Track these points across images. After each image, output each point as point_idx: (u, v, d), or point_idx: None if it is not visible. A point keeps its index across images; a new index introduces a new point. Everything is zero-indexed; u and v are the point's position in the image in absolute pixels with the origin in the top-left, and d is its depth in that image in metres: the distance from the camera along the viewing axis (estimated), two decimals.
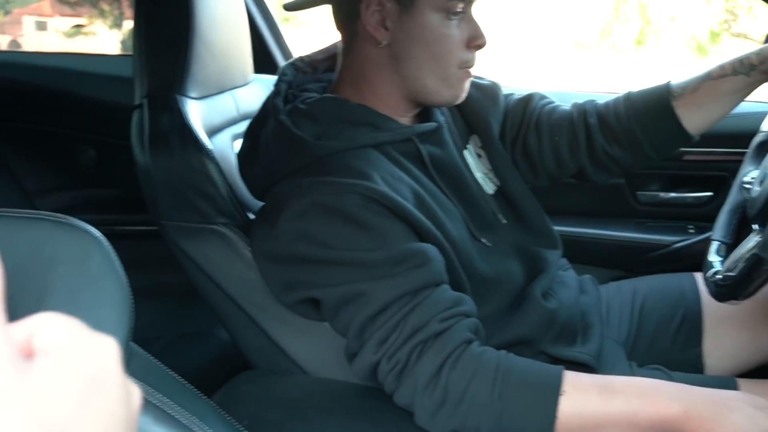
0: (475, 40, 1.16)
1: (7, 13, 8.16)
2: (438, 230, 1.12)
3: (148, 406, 0.86)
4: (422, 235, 1.10)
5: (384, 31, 1.14)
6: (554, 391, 0.98)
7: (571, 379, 1.00)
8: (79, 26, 5.55)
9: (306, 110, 1.17)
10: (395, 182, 1.12)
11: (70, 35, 6.06)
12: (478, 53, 1.20)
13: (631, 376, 1.25)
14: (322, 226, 1.06)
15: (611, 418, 0.99)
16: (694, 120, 1.29)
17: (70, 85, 1.97)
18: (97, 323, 0.82)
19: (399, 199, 1.07)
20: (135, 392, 0.42)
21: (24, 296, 0.80)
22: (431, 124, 1.24)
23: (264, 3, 1.96)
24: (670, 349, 1.43)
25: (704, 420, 0.96)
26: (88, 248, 0.84)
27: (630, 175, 1.84)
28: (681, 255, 1.78)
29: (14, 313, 0.84)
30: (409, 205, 1.09)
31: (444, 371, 1.00)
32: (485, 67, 1.34)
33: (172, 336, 1.82)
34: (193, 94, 1.33)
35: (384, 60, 1.17)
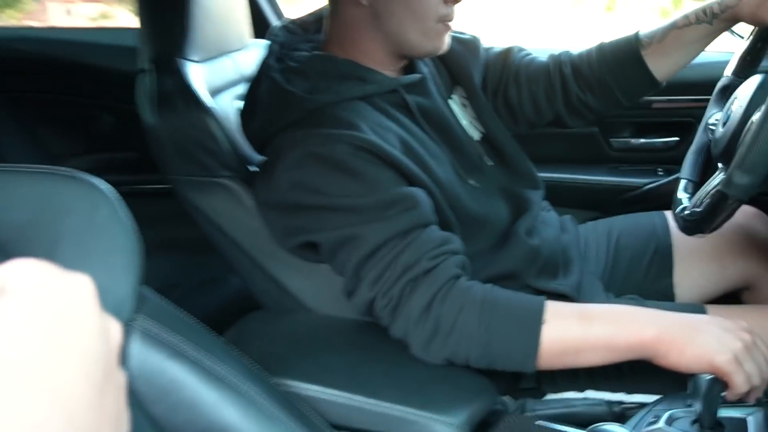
0: None
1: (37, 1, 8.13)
2: (426, 174, 1.09)
3: (161, 344, 0.84)
4: (410, 180, 1.07)
5: None
6: (537, 319, 0.96)
7: (552, 308, 0.98)
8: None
9: (297, 68, 1.14)
10: (383, 131, 1.09)
11: (94, 19, 5.98)
12: (458, 8, 1.16)
13: None
14: (315, 175, 1.04)
15: (590, 342, 0.97)
16: (661, 67, 1.26)
17: (87, 57, 1.94)
18: (106, 269, 0.80)
19: (386, 146, 1.05)
20: (114, 327, 0.41)
21: (36, 245, 0.79)
22: (415, 75, 1.21)
23: None
24: (643, 280, 1.41)
25: (676, 341, 0.93)
26: (96, 200, 0.81)
27: (603, 123, 1.80)
28: (651, 195, 1.76)
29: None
30: (397, 152, 1.06)
31: (434, 305, 0.98)
32: (468, 23, 1.31)
33: (190, 283, 1.82)
34: (194, 58, 1.30)
35: (367, 18, 1.14)
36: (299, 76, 1.13)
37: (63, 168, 0.80)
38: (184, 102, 1.23)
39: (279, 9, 1.92)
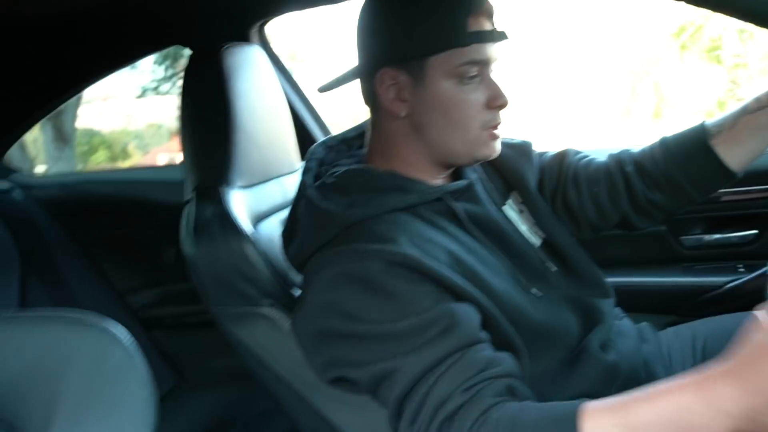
0: (495, 101, 1.03)
1: (146, 153, 8.71)
2: (476, 286, 0.97)
3: None
4: (457, 294, 0.94)
5: (401, 103, 1.04)
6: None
7: (591, 417, 0.77)
8: None
9: (334, 183, 1.06)
10: (424, 243, 0.98)
11: None
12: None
13: None
14: (346, 297, 0.94)
15: None
16: (735, 156, 1.12)
17: (150, 193, 1.94)
18: (114, 425, 0.66)
19: (424, 259, 0.93)
20: None
21: (36, 401, 0.67)
22: (462, 182, 1.10)
23: (303, 92, 1.87)
24: None
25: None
26: (106, 347, 0.72)
27: (671, 222, 1.65)
28: (735, 295, 1.58)
29: (23, 421, 0.69)
30: (437, 264, 0.94)
31: None
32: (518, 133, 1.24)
33: (249, 415, 1.71)
34: (238, 184, 1.22)
35: (407, 130, 1.06)
36: (337, 191, 1.04)
37: (72, 311, 0.74)
38: (222, 229, 1.14)
39: (328, 129, 1.88)
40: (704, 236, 1.66)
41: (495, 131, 1.05)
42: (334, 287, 0.95)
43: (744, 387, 0.68)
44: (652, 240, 1.66)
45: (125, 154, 8.85)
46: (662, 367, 1.19)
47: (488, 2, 1.03)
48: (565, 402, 0.81)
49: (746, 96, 1.14)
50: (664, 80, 7.07)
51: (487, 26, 1.02)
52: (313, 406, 1.12)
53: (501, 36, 1.03)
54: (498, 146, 1.07)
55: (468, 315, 0.92)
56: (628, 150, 1.22)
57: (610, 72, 7.52)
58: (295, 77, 1.88)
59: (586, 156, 1.25)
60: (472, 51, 1.00)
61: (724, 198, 1.59)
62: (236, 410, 1.71)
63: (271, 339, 1.12)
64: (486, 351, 0.89)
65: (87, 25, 1.48)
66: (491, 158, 1.08)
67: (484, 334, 0.92)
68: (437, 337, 0.88)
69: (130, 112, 8.71)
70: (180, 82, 1.29)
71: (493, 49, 1.03)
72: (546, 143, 1.32)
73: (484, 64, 1.02)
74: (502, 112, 1.05)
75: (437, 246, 0.98)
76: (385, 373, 0.89)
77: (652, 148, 1.19)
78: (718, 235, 1.65)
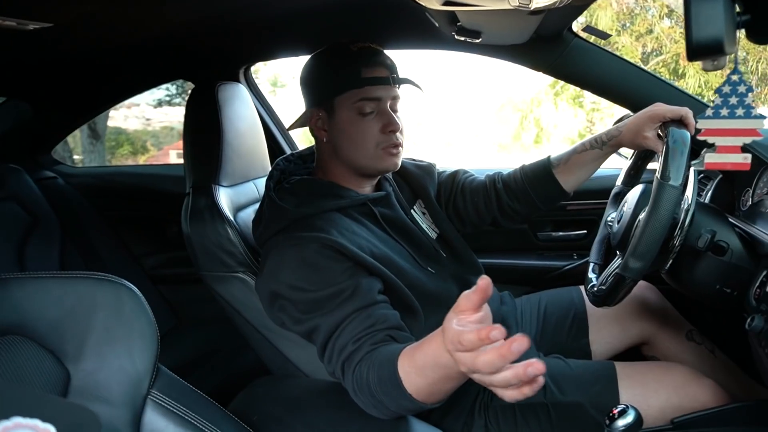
0: (387, 127, 1.03)
1: (160, 149, 8.41)
2: (386, 266, 0.98)
3: (171, 413, 0.73)
4: (368, 269, 0.96)
5: (323, 132, 1.06)
6: (397, 380, 0.78)
7: (402, 367, 0.78)
8: None
9: (288, 188, 1.06)
10: (350, 234, 0.99)
11: None
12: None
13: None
14: (289, 271, 0.94)
15: (432, 381, 0.76)
16: (568, 181, 1.17)
17: (159, 184, 1.90)
18: (128, 353, 0.68)
19: (347, 244, 0.94)
20: None
21: (71, 336, 0.68)
22: (380, 193, 1.11)
23: (275, 114, 1.85)
24: (565, 340, 1.27)
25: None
26: (122, 298, 0.73)
27: (531, 222, 1.70)
28: (569, 274, 1.63)
29: (63, 348, 0.69)
30: (356, 249, 0.95)
31: (349, 383, 0.86)
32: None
33: (227, 349, 1.71)
34: (224, 183, 1.22)
35: (330, 151, 1.07)
36: (290, 194, 1.05)
37: (98, 273, 0.73)
38: (211, 216, 1.15)
39: (294, 143, 1.86)
40: (552, 233, 1.69)
41: (391, 149, 1.04)
42: (281, 263, 0.95)
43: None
44: (517, 234, 1.69)
45: (144, 149, 8.54)
46: (515, 323, 1.23)
47: (383, 57, 1.04)
48: (397, 346, 0.82)
49: (596, 131, 1.19)
50: (543, 117, 7.17)
51: (381, 73, 1.03)
52: (272, 344, 1.13)
53: (390, 81, 1.02)
54: (396, 161, 1.06)
55: (370, 285, 0.93)
56: (500, 172, 1.25)
57: (504, 109, 7.63)
58: (276, 100, 1.86)
59: (471, 175, 1.28)
60: (364, 91, 1.01)
61: (569, 207, 1.64)
62: (217, 345, 1.70)
63: (243, 295, 1.13)
64: (379, 310, 0.90)
65: (124, 59, 1.47)
66: (392, 170, 1.08)
67: (381, 298, 0.93)
68: (345, 301, 0.89)
69: (149, 117, 8.43)
70: (186, 97, 1.28)
71: (385, 90, 1.02)
72: (448, 163, 1.35)
73: (377, 100, 1.02)
74: (399, 136, 1.04)
75: (360, 237, 0.99)
76: (312, 328, 0.91)
77: (515, 172, 1.21)
78: (561, 233, 1.68)
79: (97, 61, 1.45)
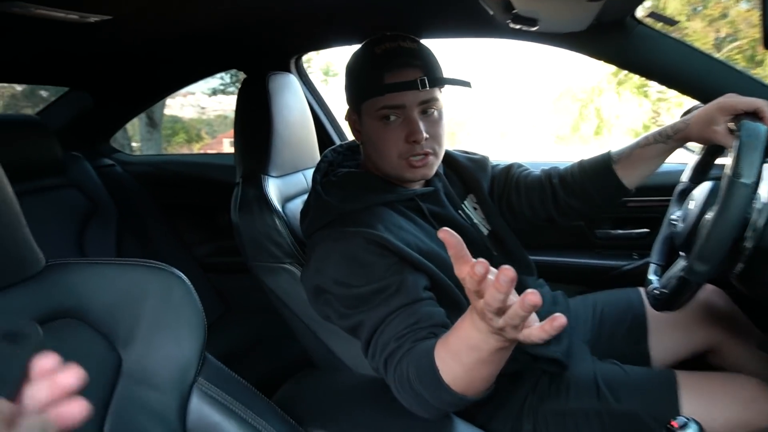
0: (410, 137, 0.99)
1: (214, 137, 8.64)
2: (433, 261, 0.97)
3: (216, 403, 0.75)
4: (414, 265, 0.94)
5: (358, 133, 1.06)
6: (435, 372, 0.77)
7: (440, 353, 0.78)
8: None
9: (335, 181, 1.06)
10: (396, 229, 0.98)
11: None
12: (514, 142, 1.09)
13: (593, 368, 1.08)
14: (334, 265, 0.94)
15: (470, 366, 0.75)
16: (629, 177, 1.12)
17: (212, 173, 1.95)
18: (176, 340, 0.70)
19: (392, 239, 0.94)
20: None
21: (122, 321, 0.71)
22: (429, 188, 1.10)
23: (326, 104, 1.86)
24: (622, 345, 1.22)
25: None
26: (172, 286, 0.75)
27: (589, 219, 1.64)
28: (629, 275, 1.57)
29: (116, 333, 0.72)
30: (402, 244, 0.94)
31: (391, 380, 0.86)
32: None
33: (272, 338, 1.73)
34: (273, 174, 1.24)
35: (365, 151, 1.08)
36: (337, 187, 1.05)
37: (150, 261, 0.76)
38: (259, 207, 1.17)
39: (344, 134, 1.86)
40: (611, 231, 1.64)
41: (414, 160, 1.00)
42: (326, 257, 0.95)
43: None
44: (573, 231, 1.65)
45: (198, 137, 8.78)
46: (568, 325, 1.20)
47: (411, 58, 0.98)
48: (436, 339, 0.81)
49: (661, 123, 1.13)
50: (604, 107, 6.94)
51: (407, 77, 0.97)
52: (317, 336, 1.15)
53: (418, 84, 0.96)
54: (422, 172, 1.03)
55: (415, 281, 0.92)
56: (556, 167, 1.21)
57: (562, 98, 7.42)
58: (327, 90, 1.88)
59: (526, 169, 1.25)
60: (386, 99, 0.97)
61: (629, 204, 1.57)
62: (263, 335, 1.72)
63: (289, 286, 1.14)
64: (424, 308, 0.89)
65: (179, 49, 1.51)
66: (416, 181, 1.06)
67: (426, 294, 0.92)
68: (389, 297, 0.89)
69: (203, 106, 8.66)
70: (239, 86, 1.30)
71: (411, 96, 0.97)
72: (502, 156, 1.32)
73: (401, 107, 0.98)
74: (426, 145, 1.00)
75: (406, 232, 0.99)
76: (357, 324, 0.91)
77: (572, 166, 1.18)
78: (621, 231, 1.63)
79: (154, 51, 1.51)
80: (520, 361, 1.03)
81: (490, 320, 0.62)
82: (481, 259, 0.57)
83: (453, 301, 0.98)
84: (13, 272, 0.64)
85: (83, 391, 0.40)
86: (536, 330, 0.60)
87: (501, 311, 0.60)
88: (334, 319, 0.96)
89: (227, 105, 8.09)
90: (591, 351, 1.19)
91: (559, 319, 0.56)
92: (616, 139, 6.64)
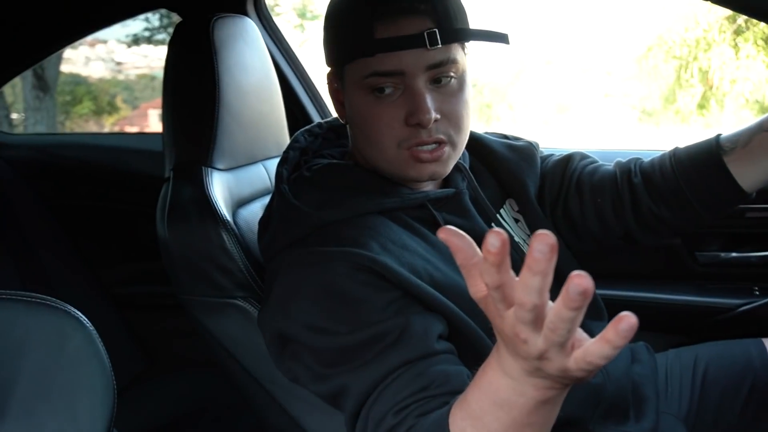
0: (411, 118, 0.98)
1: (135, 108, 8.68)
2: (451, 297, 0.98)
3: None
4: (424, 302, 0.96)
5: (341, 107, 1.08)
6: None
7: (455, 421, 0.78)
8: None
9: (309, 177, 1.08)
10: (398, 249, 1.00)
11: None
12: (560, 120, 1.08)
13: None
14: (308, 305, 0.96)
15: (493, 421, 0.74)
16: (748, 175, 1.12)
17: (131, 162, 1.96)
18: (70, 411, 0.72)
19: (393, 266, 0.95)
20: None
21: None
22: (447, 190, 1.11)
23: (300, 64, 1.88)
24: (737, 423, 1.23)
25: None
26: (65, 331, 0.76)
27: (687, 235, 1.65)
28: (746, 319, 1.59)
29: None
30: (406, 272, 0.96)
31: None
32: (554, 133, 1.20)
33: (222, 406, 1.74)
34: (220, 166, 1.27)
35: (352, 134, 1.10)
36: (312, 186, 1.07)
37: (31, 294, 0.76)
38: (198, 213, 1.18)
39: (327, 109, 1.90)
40: (721, 253, 1.65)
41: (419, 151, 1.01)
42: (295, 291, 0.97)
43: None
44: (664, 253, 1.66)
45: (112, 106, 8.82)
46: (654, 391, 1.20)
47: (413, 3, 0.98)
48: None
49: None
50: (714, 67, 6.95)
51: (408, 29, 0.97)
52: (281, 405, 1.16)
53: (425, 41, 0.96)
54: (432, 169, 1.03)
55: (425, 326, 0.93)
56: (637, 159, 1.23)
57: (651, 55, 7.42)
58: (304, 41, 1.89)
59: (593, 162, 1.26)
60: (376, 61, 0.97)
61: (748, 215, 1.60)
62: (208, 399, 1.74)
63: (240, 332, 1.16)
64: (437, 366, 0.90)
65: None
66: (423, 180, 1.06)
67: (442, 346, 0.93)
68: (386, 349, 0.90)
69: (119, 61, 8.69)
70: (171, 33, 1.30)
71: (414, 57, 0.97)
72: (558, 142, 1.32)
73: (399, 74, 0.98)
74: (440, 129, 1.00)
75: (413, 253, 1.00)
76: (339, 389, 0.93)
77: (662, 159, 1.19)
78: (735, 254, 1.64)
79: None
80: None
81: (524, 343, 0.60)
82: (496, 230, 0.55)
83: (482, 357, 0.97)
84: None
85: None
86: (594, 344, 0.58)
87: (539, 321, 0.58)
88: (305, 381, 0.98)
89: (154, 60, 8.13)
90: (689, 429, 1.21)
91: (627, 319, 0.54)
92: (729, 117, 6.66)
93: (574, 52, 7.50)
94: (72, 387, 0.74)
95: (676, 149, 1.19)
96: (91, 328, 0.77)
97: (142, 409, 1.68)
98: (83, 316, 0.77)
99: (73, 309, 0.76)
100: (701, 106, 7.03)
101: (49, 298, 0.76)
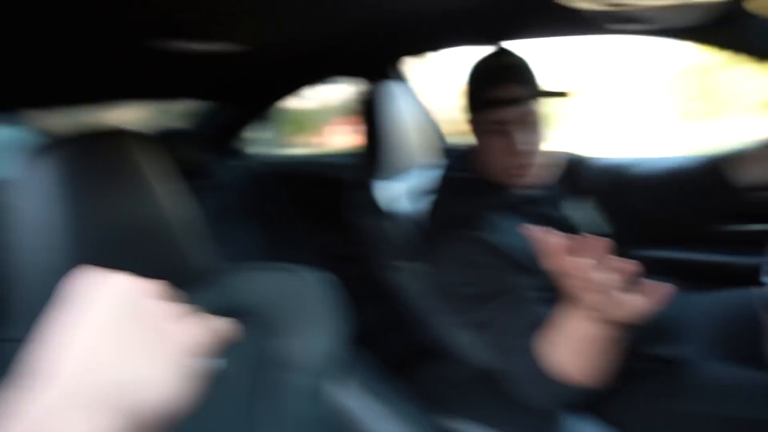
0: (509, 153, 1.07)
1: (318, 129, 8.73)
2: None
3: (352, 390, 0.82)
4: (521, 266, 1.01)
5: (473, 137, 1.13)
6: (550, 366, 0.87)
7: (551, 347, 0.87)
8: None
9: (454, 184, 1.16)
10: (507, 232, 1.05)
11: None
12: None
13: (713, 371, 1.06)
14: (454, 267, 1.03)
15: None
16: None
17: (334, 172, 1.99)
18: (317, 337, 0.81)
19: (504, 243, 1.01)
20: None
21: (270, 320, 0.81)
22: (538, 192, 1.14)
23: (428, 111, 1.84)
24: (743, 348, 1.12)
25: None
26: (312, 288, 0.84)
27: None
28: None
29: (268, 328, 0.81)
30: (513, 247, 1.02)
31: (512, 372, 0.94)
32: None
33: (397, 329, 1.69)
34: (387, 176, 1.33)
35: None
36: (452, 191, 1.14)
37: (292, 265, 0.84)
38: (376, 209, 1.25)
39: (440, 131, 1.83)
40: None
41: (514, 170, 1.07)
42: (449, 259, 1.04)
43: None
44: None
45: (307, 127, 8.92)
46: (683, 324, 1.15)
47: (513, 73, 1.04)
48: None
49: None
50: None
51: (508, 93, 1.02)
52: (439, 329, 1.19)
53: (518, 101, 1.01)
54: (522, 181, 1.08)
55: (530, 283, 0.98)
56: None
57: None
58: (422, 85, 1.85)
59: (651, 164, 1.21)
60: (489, 114, 1.04)
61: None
62: (384, 326, 1.69)
63: (410, 285, 1.21)
64: (540, 307, 0.94)
65: (297, 58, 1.59)
66: (520, 187, 1.10)
67: (540, 295, 0.97)
68: (508, 297, 0.96)
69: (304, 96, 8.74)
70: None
71: (511, 111, 1.02)
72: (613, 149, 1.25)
73: (504, 123, 1.04)
74: (527, 157, 1.05)
75: (516, 234, 1.03)
76: (478, 322, 0.99)
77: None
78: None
79: (274, 63, 1.61)
80: (633, 360, 1.04)
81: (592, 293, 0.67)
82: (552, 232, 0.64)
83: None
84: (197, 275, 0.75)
85: (237, 378, 0.44)
86: (637, 299, 0.66)
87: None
88: (455, 317, 1.05)
89: (326, 95, 8.13)
90: (709, 352, 1.16)
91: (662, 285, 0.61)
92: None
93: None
94: (318, 322, 0.81)
95: None
96: (324, 281, 0.82)
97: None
98: (318, 274, 0.83)
99: (311, 270, 0.82)
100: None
101: (297, 267, 0.83)
